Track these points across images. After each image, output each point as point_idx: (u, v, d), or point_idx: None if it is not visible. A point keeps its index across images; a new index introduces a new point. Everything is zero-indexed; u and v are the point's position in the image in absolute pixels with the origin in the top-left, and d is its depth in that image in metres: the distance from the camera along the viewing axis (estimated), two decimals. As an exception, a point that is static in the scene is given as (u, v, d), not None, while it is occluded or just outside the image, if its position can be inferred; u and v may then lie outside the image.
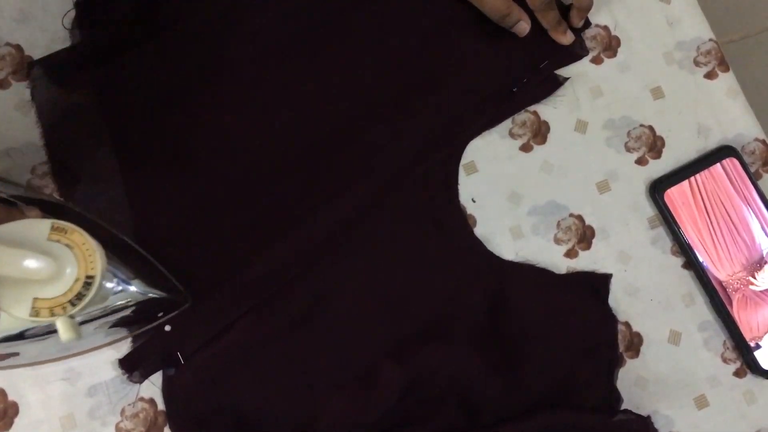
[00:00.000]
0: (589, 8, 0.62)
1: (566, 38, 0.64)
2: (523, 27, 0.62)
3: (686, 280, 0.63)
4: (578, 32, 0.65)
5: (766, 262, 0.63)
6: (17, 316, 0.41)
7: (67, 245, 0.42)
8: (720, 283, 0.62)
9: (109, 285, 0.47)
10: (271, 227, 0.57)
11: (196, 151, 0.59)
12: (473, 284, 0.60)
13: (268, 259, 0.57)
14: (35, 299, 0.41)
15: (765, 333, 0.62)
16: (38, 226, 0.42)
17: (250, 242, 0.57)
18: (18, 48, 0.58)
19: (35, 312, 0.41)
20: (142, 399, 0.55)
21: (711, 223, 0.63)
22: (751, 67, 1.29)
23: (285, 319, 0.57)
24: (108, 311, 0.49)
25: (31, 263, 0.40)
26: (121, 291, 0.48)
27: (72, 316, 0.42)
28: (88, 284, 0.42)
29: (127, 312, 0.50)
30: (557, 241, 0.62)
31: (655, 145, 0.65)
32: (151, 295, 0.50)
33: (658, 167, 0.64)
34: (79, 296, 0.42)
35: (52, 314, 0.41)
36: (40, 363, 0.53)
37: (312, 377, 0.56)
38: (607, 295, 0.61)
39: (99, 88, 0.58)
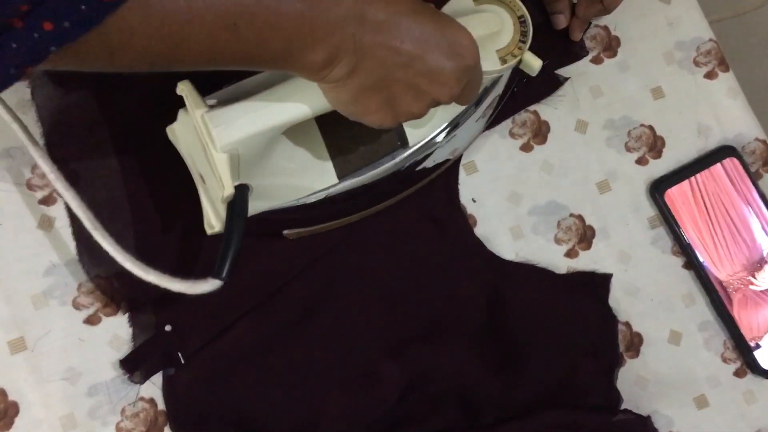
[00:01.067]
0: (613, 9, 0.62)
1: (580, 35, 0.64)
2: (561, 20, 0.63)
3: (686, 280, 0.63)
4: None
5: (766, 262, 0.63)
6: (493, 69, 0.49)
7: (490, 2, 0.50)
8: (720, 283, 0.62)
9: None
10: (271, 226, 0.57)
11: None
12: (473, 284, 0.59)
13: (268, 258, 0.57)
14: (496, 52, 0.49)
15: (765, 333, 0.62)
16: (460, 2, 0.50)
17: (249, 240, 0.57)
18: (18, 48, 0.58)
19: (503, 60, 0.49)
20: (142, 399, 0.55)
21: (711, 223, 0.63)
22: (744, 47, 1.28)
23: (285, 318, 0.57)
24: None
25: (483, 20, 0.48)
26: None
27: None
28: (523, 22, 0.50)
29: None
30: (557, 241, 0.62)
31: (655, 145, 0.65)
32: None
33: (658, 167, 0.64)
34: (524, 34, 0.50)
35: (514, 55, 0.49)
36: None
37: (312, 377, 0.56)
38: (607, 295, 0.61)
39: (99, 88, 0.58)
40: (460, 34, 0.41)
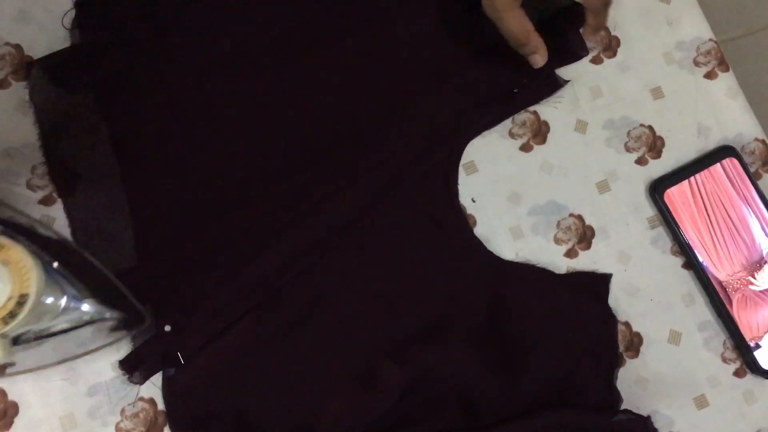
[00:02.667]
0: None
1: (596, 37, 0.65)
2: (537, 60, 0.61)
3: (686, 280, 0.63)
4: (578, 32, 0.65)
5: (766, 262, 0.63)
6: None
7: (1, 262, 0.40)
8: (720, 283, 0.62)
9: (58, 302, 0.45)
10: (271, 227, 0.57)
11: (196, 151, 0.59)
12: (473, 284, 0.60)
13: (268, 258, 0.57)
14: None
15: (765, 333, 0.62)
16: None
17: (250, 241, 0.57)
18: (18, 48, 0.58)
19: None
20: (142, 399, 0.55)
21: (711, 223, 0.63)
22: (752, 65, 1.29)
23: (285, 319, 0.57)
24: (57, 330, 0.47)
25: None
26: (73, 309, 0.46)
27: (4, 336, 0.40)
28: (21, 303, 0.40)
29: (81, 330, 0.48)
30: (557, 241, 0.62)
31: (655, 145, 0.65)
32: (106, 314, 0.48)
33: (658, 167, 0.64)
34: (12, 315, 0.40)
35: None
36: (40, 369, 0.53)
37: (312, 377, 0.56)
38: (607, 295, 0.61)
39: (99, 89, 0.58)
40: None
